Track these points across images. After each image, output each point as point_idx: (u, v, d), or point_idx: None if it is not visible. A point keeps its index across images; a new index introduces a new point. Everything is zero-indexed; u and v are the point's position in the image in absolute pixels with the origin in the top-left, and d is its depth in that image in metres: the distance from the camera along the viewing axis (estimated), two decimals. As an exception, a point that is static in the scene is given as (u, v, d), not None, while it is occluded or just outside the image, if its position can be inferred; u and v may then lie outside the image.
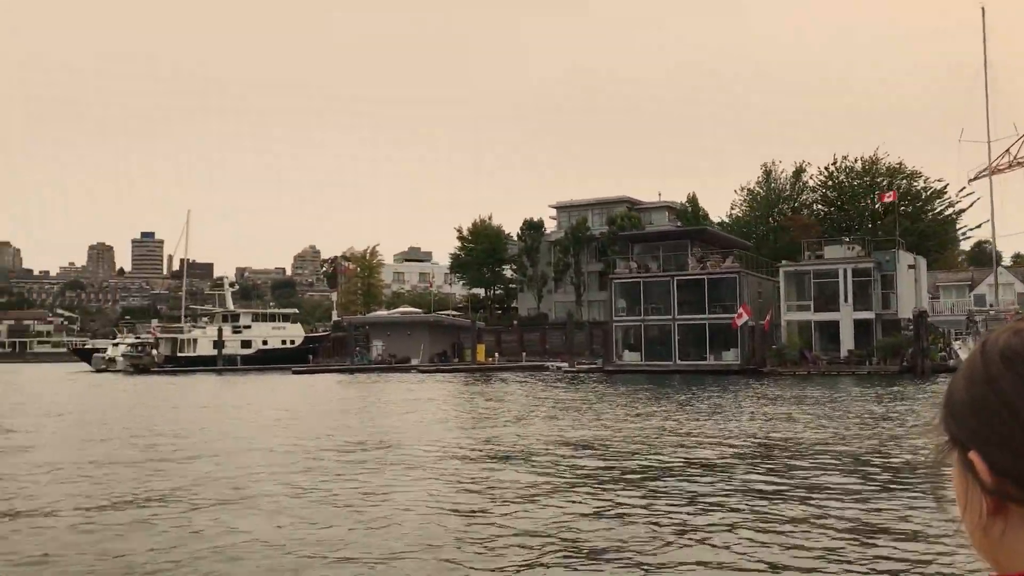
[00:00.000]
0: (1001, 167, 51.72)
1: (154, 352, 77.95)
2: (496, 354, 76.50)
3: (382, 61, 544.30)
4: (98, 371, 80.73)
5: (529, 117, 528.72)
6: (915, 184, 77.84)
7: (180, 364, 76.44)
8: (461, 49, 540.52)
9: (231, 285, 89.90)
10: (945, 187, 76.29)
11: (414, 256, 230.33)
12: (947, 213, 78.34)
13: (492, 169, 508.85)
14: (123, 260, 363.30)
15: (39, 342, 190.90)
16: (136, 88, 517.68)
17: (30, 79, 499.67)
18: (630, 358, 55.03)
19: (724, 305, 53.07)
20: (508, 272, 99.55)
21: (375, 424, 24.07)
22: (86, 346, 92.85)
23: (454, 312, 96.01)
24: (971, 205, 73.72)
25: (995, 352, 0.92)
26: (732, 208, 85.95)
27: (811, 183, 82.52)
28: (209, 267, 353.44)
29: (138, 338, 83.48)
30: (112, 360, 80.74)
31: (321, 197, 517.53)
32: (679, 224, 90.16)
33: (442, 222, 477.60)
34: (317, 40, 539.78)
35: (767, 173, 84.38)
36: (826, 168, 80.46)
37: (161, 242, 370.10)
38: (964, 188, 65.33)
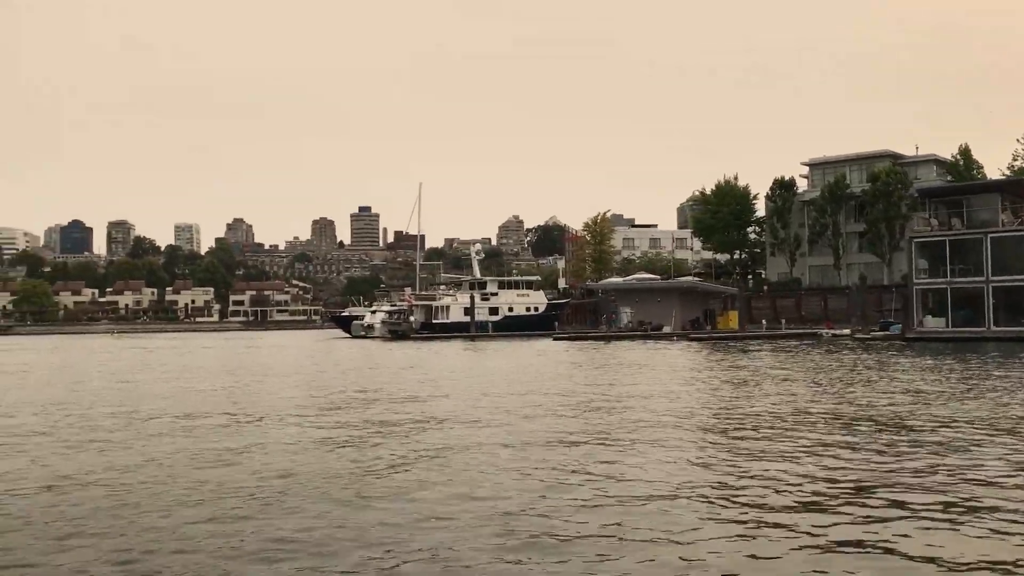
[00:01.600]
0: None
1: (411, 319, 79.85)
2: (763, 321, 72.85)
3: (595, 26, 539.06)
4: (356, 337, 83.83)
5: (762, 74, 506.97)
6: None
7: (434, 331, 77.86)
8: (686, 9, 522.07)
9: (477, 254, 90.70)
10: None
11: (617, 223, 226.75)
12: None
13: (707, 132, 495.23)
14: (343, 233, 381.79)
15: (278, 311, 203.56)
16: (353, 68, 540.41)
17: (257, 75, 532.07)
18: (933, 324, 50.20)
19: (1048, 265, 47.28)
20: (752, 235, 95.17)
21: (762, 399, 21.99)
22: (342, 314, 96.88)
23: (695, 278, 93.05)
24: None
25: None
26: (1015, 159, 77.59)
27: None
28: (421, 238, 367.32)
29: (393, 306, 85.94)
30: (370, 327, 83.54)
31: (522, 167, 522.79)
32: (949, 179, 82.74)
33: (650, 188, 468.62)
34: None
35: (1056, 119, 75.58)
36: None
37: (377, 216, 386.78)
38: None
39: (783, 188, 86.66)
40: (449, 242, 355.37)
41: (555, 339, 66.82)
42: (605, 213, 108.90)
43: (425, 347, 58.24)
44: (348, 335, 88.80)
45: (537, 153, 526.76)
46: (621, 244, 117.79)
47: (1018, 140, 78.55)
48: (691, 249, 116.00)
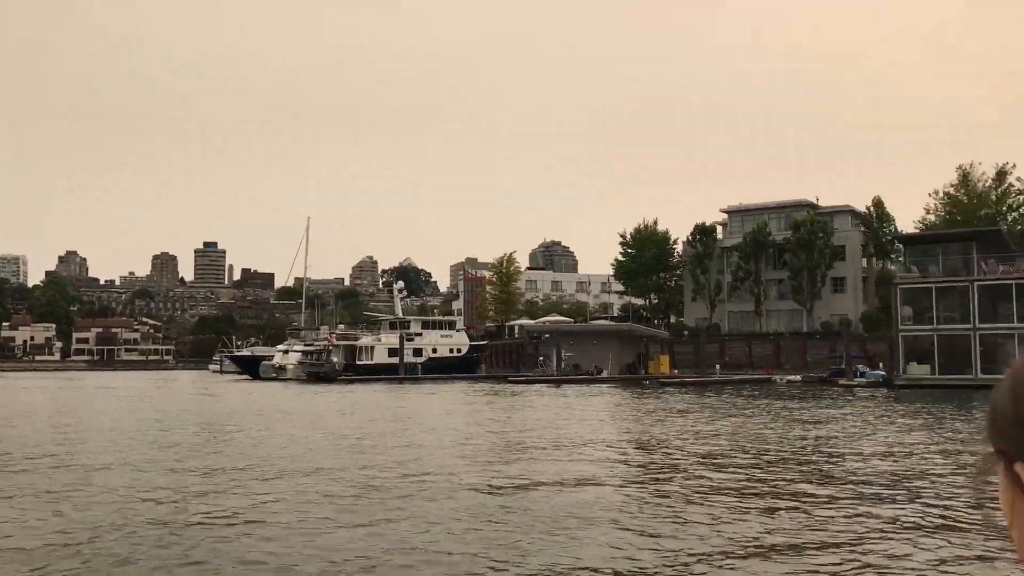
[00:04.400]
0: None
1: (333, 360, 74.08)
2: (716, 366, 71.78)
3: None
4: (266, 379, 77.07)
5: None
6: None
7: (359, 372, 72.57)
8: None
9: (400, 291, 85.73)
10: None
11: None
12: None
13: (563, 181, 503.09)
14: (185, 270, 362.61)
15: (127, 350, 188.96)
16: (203, 94, 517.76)
17: (97, 87, 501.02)
18: (918, 371, 50.13)
19: (1031, 313, 48.14)
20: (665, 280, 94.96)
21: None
22: (242, 353, 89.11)
23: (607, 321, 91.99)
24: None
25: None
26: (928, 212, 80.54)
27: (1017, 186, 77.42)
28: (270, 277, 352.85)
29: (308, 345, 79.65)
30: (282, 368, 77.12)
31: (377, 209, 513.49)
32: (863, 229, 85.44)
33: (506, 233, 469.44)
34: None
35: (964, 176, 79.15)
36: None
37: (223, 252, 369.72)
38: None
39: (704, 234, 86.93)
40: (299, 281, 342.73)
41: (509, 381, 63.16)
42: (511, 254, 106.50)
43: (382, 390, 53.45)
44: (249, 377, 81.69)
45: (391, 192, 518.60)
46: (524, 286, 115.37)
47: (930, 194, 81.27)
48: (590, 293, 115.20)
